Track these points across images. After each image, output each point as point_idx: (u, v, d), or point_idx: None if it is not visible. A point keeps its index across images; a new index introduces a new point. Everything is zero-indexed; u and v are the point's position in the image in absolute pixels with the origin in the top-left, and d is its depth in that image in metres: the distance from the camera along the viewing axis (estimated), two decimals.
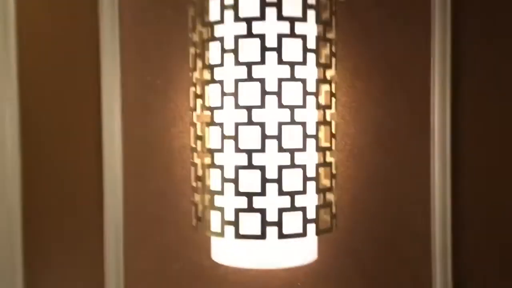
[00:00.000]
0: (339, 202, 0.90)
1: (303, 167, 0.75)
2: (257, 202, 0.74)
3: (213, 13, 0.76)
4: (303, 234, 0.76)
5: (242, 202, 0.74)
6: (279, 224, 0.74)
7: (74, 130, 0.95)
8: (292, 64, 0.73)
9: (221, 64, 0.75)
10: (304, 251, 0.81)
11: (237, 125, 0.74)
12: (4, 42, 0.93)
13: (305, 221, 0.76)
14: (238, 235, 0.75)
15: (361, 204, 0.93)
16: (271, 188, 0.74)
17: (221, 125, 0.76)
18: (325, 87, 0.78)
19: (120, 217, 0.94)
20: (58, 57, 0.95)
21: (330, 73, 0.79)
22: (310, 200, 0.77)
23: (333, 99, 0.80)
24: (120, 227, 0.94)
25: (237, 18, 0.73)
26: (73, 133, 0.95)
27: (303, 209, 0.75)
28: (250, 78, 0.73)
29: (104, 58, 0.92)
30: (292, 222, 0.75)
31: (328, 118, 0.79)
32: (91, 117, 0.94)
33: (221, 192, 0.76)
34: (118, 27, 0.93)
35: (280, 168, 0.74)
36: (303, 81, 0.74)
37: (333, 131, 0.80)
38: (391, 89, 0.93)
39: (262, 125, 0.73)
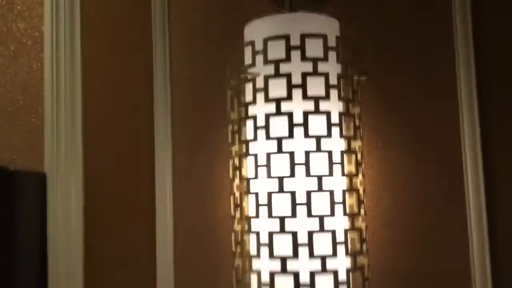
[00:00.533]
0: (375, 267, 0.94)
1: (333, 232, 0.81)
2: (290, 265, 0.80)
3: (247, 95, 0.86)
4: None
5: (276, 265, 0.80)
6: (311, 286, 0.79)
7: (130, 201, 1.05)
8: (318, 138, 0.81)
9: (255, 139, 0.84)
10: None
11: (270, 193, 0.81)
12: (72, 128, 1.06)
13: (337, 283, 0.80)
14: None
15: (398, 269, 0.95)
16: (303, 251, 0.80)
17: (256, 194, 0.83)
18: (351, 157, 0.85)
19: (171, 282, 1.01)
20: (118, 136, 1.07)
21: (356, 144, 0.86)
22: (341, 263, 0.81)
23: (360, 168, 0.86)
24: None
25: (267, 99, 0.82)
26: (129, 205, 1.06)
27: (335, 272, 0.80)
28: (280, 151, 0.81)
29: (157, 138, 1.04)
30: (325, 285, 0.80)
31: (356, 185, 0.85)
32: (146, 190, 1.05)
33: (257, 256, 0.82)
34: (170, 112, 1.05)
35: (311, 233, 0.80)
36: (329, 152, 0.81)
37: (362, 197, 0.86)
38: (423, 156, 0.97)
39: (292, 193, 0.80)
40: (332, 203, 0.81)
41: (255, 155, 0.84)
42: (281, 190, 0.81)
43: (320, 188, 0.80)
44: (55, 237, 1.04)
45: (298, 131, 0.81)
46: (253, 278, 0.83)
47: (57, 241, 1.03)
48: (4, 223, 0.99)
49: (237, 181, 0.88)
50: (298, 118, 0.81)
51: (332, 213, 0.81)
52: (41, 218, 1.05)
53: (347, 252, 0.82)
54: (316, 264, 0.80)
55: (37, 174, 1.07)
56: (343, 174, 0.83)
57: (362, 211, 0.85)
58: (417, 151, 0.97)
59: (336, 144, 0.83)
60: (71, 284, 1.03)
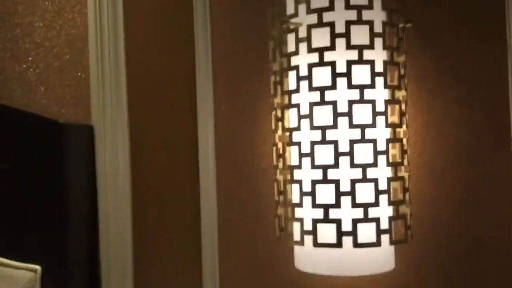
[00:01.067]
0: (418, 216, 0.94)
1: (375, 181, 0.81)
2: (333, 213, 0.81)
3: (290, 46, 0.86)
4: (377, 243, 0.81)
5: (319, 213, 0.82)
6: (353, 233, 0.81)
7: (174, 150, 1.08)
8: (361, 88, 0.80)
9: (297, 90, 0.84)
10: (380, 260, 0.86)
11: (312, 144, 0.82)
12: (116, 81, 1.09)
13: (379, 231, 0.81)
14: (316, 244, 0.82)
15: (441, 219, 0.95)
16: (345, 200, 0.81)
17: (298, 144, 0.84)
18: (395, 107, 0.84)
19: (215, 234, 1.05)
20: (160, 88, 1.09)
21: (400, 94, 0.85)
22: (383, 212, 0.82)
23: (404, 118, 0.85)
24: (215, 242, 1.05)
25: (310, 49, 0.82)
26: (173, 155, 1.08)
27: (377, 220, 0.81)
28: (323, 101, 0.81)
29: (199, 89, 1.05)
30: (367, 232, 0.81)
31: (399, 136, 0.85)
32: (189, 140, 1.07)
33: (300, 205, 0.84)
34: (211, 61, 1.05)
35: (353, 182, 0.81)
36: (372, 102, 0.81)
37: (405, 147, 0.85)
38: (469, 106, 0.95)
39: (335, 143, 0.81)
40: (375, 153, 0.81)
41: (298, 106, 0.84)
42: (323, 140, 0.81)
43: (363, 138, 0.80)
44: (104, 186, 1.08)
45: (342, 81, 0.80)
46: (296, 226, 0.85)
47: (106, 190, 1.08)
48: (56, 174, 1.04)
49: (279, 132, 0.89)
50: (341, 68, 0.80)
51: (375, 163, 0.81)
52: (91, 169, 1.09)
53: (389, 201, 0.83)
54: (359, 213, 0.81)
55: (85, 126, 1.10)
56: (386, 124, 0.83)
57: (405, 161, 0.85)
58: (463, 102, 0.95)
59: (380, 94, 0.82)
60: (120, 232, 1.08)
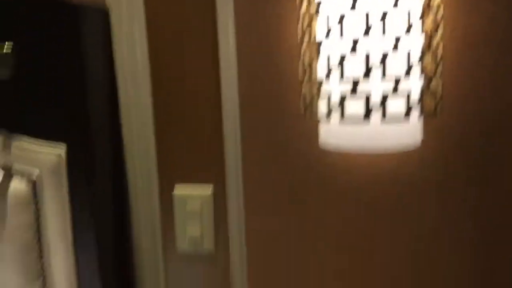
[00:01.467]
0: (448, 91, 0.91)
1: (407, 52, 0.77)
2: (362, 87, 0.78)
3: None
4: (406, 118, 0.79)
5: (347, 87, 0.79)
6: (382, 107, 0.78)
7: (192, 33, 1.04)
8: None
9: None
10: (407, 136, 0.84)
11: (342, 13, 0.77)
12: None
13: (408, 105, 0.79)
14: (343, 119, 0.80)
15: (471, 94, 0.92)
16: (375, 73, 0.78)
17: (326, 15, 0.80)
18: None
19: (236, 112, 1.03)
20: None
21: None
22: (414, 85, 0.79)
23: None
24: (237, 121, 1.04)
25: None
26: (191, 37, 1.05)
27: (407, 94, 0.79)
28: None
29: None
30: (396, 106, 0.79)
31: (433, 6, 0.80)
32: (209, 25, 1.03)
33: (327, 80, 0.81)
34: None
35: (384, 53, 0.77)
36: None
37: (438, 19, 0.81)
38: None
39: (366, 13, 0.76)
40: (408, 23, 0.77)
41: None
42: (353, 7, 0.76)
43: (395, 5, 0.76)
44: (122, 71, 1.06)
45: None
46: (322, 102, 0.83)
47: (125, 75, 1.06)
48: (73, 56, 1.02)
49: (304, 5, 0.84)
50: None
51: (408, 32, 0.77)
52: (108, 54, 1.07)
53: (421, 75, 0.79)
54: (389, 86, 0.78)
55: (100, 9, 1.06)
56: None
57: (438, 33, 0.81)
58: None
59: None
60: (142, 117, 1.07)
